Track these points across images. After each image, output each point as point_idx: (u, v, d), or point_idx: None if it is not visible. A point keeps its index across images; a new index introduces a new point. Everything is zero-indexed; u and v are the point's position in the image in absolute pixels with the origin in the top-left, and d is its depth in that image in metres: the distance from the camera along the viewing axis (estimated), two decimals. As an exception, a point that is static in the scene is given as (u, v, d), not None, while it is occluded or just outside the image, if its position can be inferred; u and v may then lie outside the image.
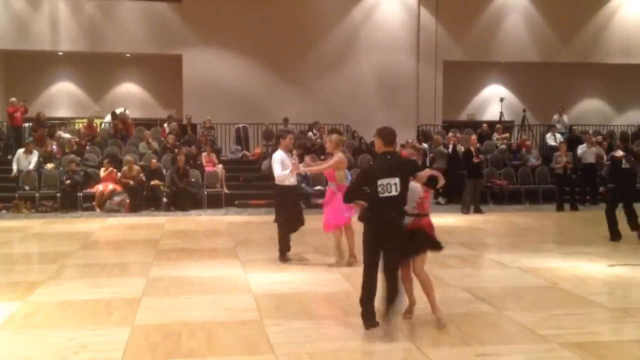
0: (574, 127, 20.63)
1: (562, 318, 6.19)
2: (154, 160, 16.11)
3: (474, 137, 17.11)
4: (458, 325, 5.85)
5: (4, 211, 15.03)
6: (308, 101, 21.54)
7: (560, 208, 15.92)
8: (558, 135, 20.03)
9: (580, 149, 17.35)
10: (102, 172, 15.88)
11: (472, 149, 15.47)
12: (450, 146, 17.24)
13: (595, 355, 5.10)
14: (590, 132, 20.72)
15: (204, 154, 17.30)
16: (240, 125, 20.06)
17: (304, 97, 21.71)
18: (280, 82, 21.80)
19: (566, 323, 6.02)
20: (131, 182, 15.48)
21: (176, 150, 16.82)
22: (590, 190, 17.31)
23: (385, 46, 22.47)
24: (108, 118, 20.55)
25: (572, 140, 19.33)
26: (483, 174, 16.49)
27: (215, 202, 16.15)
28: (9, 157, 17.14)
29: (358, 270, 8.33)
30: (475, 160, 15.24)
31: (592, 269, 8.56)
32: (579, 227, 13.31)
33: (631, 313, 6.44)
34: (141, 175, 15.76)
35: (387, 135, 5.79)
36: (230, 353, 5.18)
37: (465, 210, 14.88)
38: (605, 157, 18.46)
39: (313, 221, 13.59)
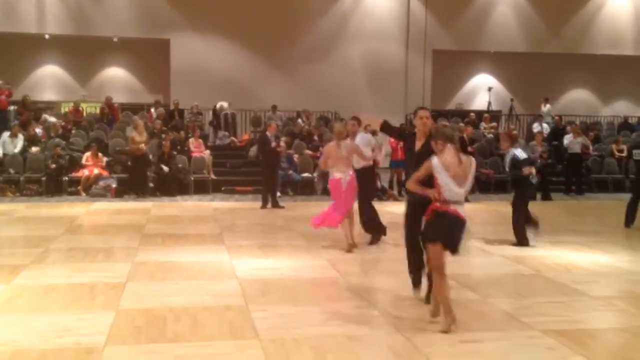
0: (559, 117, 20.70)
1: (545, 306, 6.24)
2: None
3: (469, 127, 17.15)
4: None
5: (-12, 195, 14.93)
6: (296, 88, 21.49)
7: (545, 197, 15.99)
8: (545, 125, 20.09)
9: (567, 139, 17.42)
10: (85, 158, 15.73)
11: (466, 138, 15.53)
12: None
13: (577, 342, 5.15)
14: (577, 122, 20.83)
15: (191, 140, 17.23)
16: (229, 112, 19.96)
17: (293, 83, 21.65)
18: (268, 68, 21.72)
19: (549, 311, 6.07)
20: (143, 146, 15.32)
21: (163, 135, 16.73)
22: (576, 181, 17.41)
23: (374, 34, 22.44)
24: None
25: (557, 130, 19.42)
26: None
27: (202, 188, 16.11)
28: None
29: (344, 257, 8.41)
30: (470, 149, 15.30)
31: (576, 257, 8.63)
32: (563, 216, 13.40)
33: (613, 301, 6.51)
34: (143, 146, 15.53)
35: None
36: (214, 338, 5.18)
37: None
38: (591, 147, 18.59)
39: (301, 208, 13.64)
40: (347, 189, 8.65)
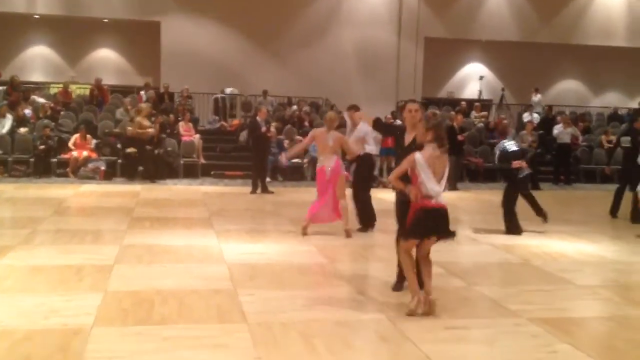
0: (549, 107, 20.75)
1: (531, 294, 6.28)
2: (129, 128, 15.89)
3: (460, 116, 17.16)
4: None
5: (-25, 175, 14.82)
6: (287, 73, 21.41)
7: (534, 187, 16.02)
8: (535, 115, 20.14)
9: (556, 129, 17.50)
10: (73, 140, 15.61)
11: (456, 126, 15.52)
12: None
13: (562, 330, 5.19)
14: (567, 112, 20.90)
15: (181, 123, 17.15)
16: (219, 96, 19.89)
17: (284, 68, 21.57)
18: (260, 53, 21.62)
19: (535, 299, 6.11)
20: (151, 131, 15.20)
21: (153, 118, 16.64)
22: (564, 171, 17.49)
23: (366, 20, 22.36)
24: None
25: (547, 120, 19.47)
26: (464, 152, 16.54)
27: (191, 172, 16.08)
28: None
29: (332, 243, 8.43)
30: (460, 138, 15.30)
31: (563, 246, 8.69)
32: (551, 206, 13.44)
33: (598, 290, 6.56)
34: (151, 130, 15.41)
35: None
36: (202, 321, 5.18)
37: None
38: (580, 138, 18.67)
39: (290, 193, 13.64)
40: (332, 176, 8.64)
